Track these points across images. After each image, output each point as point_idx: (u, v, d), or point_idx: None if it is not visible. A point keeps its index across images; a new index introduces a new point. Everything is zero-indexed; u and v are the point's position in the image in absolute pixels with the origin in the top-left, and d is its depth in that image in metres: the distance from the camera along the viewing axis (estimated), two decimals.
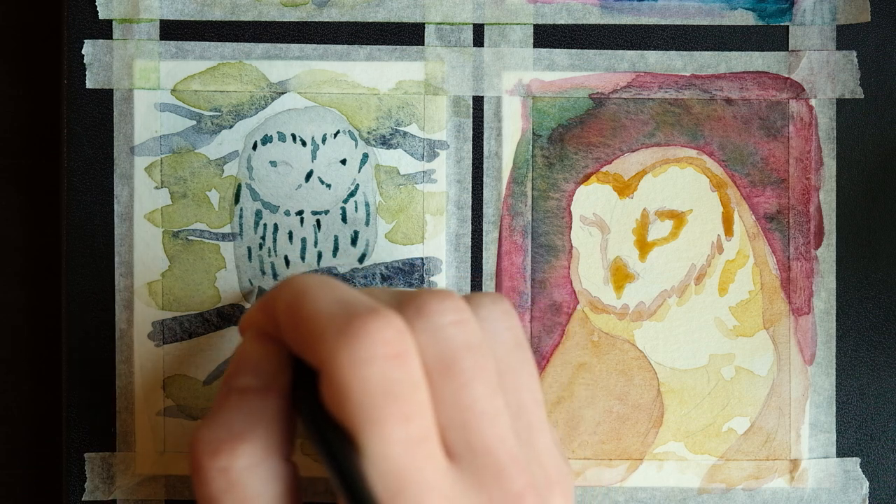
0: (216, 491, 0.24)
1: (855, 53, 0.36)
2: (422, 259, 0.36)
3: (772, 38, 0.36)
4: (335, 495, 0.24)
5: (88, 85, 0.36)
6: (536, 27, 0.36)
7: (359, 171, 0.36)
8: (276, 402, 0.25)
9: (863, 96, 0.36)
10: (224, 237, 0.36)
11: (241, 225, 0.36)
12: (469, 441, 0.24)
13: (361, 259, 0.36)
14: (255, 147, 0.36)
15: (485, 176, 0.36)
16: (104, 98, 0.36)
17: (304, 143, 0.36)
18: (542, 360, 0.36)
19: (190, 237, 0.36)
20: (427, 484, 0.23)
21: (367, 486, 0.22)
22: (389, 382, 0.22)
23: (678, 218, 0.36)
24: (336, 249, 0.36)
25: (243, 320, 0.28)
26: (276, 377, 0.26)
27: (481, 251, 0.36)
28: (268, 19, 0.36)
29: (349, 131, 0.36)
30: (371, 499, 0.22)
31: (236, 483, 0.24)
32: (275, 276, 0.36)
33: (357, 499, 0.22)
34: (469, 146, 0.36)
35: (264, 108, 0.36)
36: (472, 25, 0.36)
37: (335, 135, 0.36)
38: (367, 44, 0.36)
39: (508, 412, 0.25)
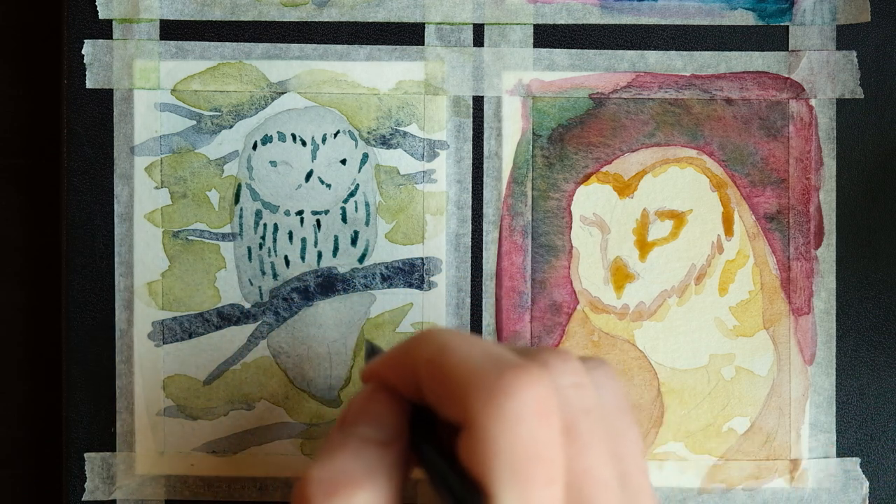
0: None
1: (855, 53, 0.36)
2: (422, 259, 0.36)
3: (772, 38, 0.36)
4: None
5: (88, 85, 0.36)
6: (536, 27, 0.36)
7: (359, 171, 0.36)
8: (395, 456, 0.25)
9: (863, 96, 0.36)
10: (224, 237, 0.36)
11: (241, 225, 0.36)
12: None
13: (361, 259, 0.36)
14: (255, 147, 0.36)
15: (485, 176, 0.36)
16: (104, 98, 0.36)
17: (304, 143, 0.36)
18: None
19: (190, 237, 0.36)
20: None
21: None
22: (537, 442, 0.22)
23: (678, 218, 0.36)
24: (336, 249, 0.36)
25: (368, 370, 0.27)
26: (399, 433, 0.26)
27: (481, 251, 0.36)
28: (268, 19, 0.36)
29: (349, 131, 0.36)
30: None
31: None
32: (275, 276, 0.36)
33: None
34: (469, 146, 0.36)
35: (264, 108, 0.36)
36: (472, 25, 0.36)
37: (335, 135, 0.36)
38: (367, 44, 0.36)
39: (616, 479, 0.25)
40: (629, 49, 0.36)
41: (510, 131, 0.36)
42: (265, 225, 0.36)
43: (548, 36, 0.36)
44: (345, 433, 0.26)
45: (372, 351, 0.31)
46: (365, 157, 0.36)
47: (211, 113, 0.36)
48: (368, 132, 0.36)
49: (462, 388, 0.23)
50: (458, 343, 0.24)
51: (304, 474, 0.25)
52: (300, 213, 0.36)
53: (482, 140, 0.36)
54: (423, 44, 0.36)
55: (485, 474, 0.22)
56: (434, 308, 0.36)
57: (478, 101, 0.36)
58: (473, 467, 0.23)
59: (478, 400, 0.23)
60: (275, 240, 0.36)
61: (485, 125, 0.36)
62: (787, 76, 0.36)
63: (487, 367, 0.23)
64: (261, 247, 0.36)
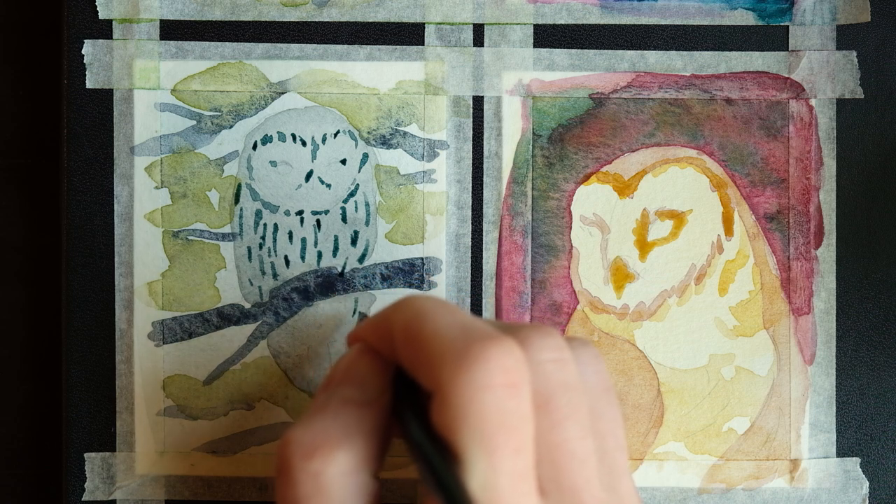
0: (303, 494, 0.24)
1: (855, 53, 0.36)
2: (422, 259, 0.36)
3: (772, 38, 0.36)
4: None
5: (88, 85, 0.36)
6: (536, 27, 0.36)
7: (359, 171, 0.36)
8: (376, 418, 0.25)
9: (863, 96, 0.36)
10: (224, 237, 0.36)
11: (241, 225, 0.36)
12: (558, 480, 0.24)
13: (361, 259, 0.36)
14: (255, 147, 0.36)
15: (485, 176, 0.36)
16: (104, 98, 0.36)
17: (304, 143, 0.36)
18: None
19: (190, 237, 0.36)
20: None
21: (472, 500, 0.22)
22: (505, 412, 0.22)
23: (678, 218, 0.36)
24: (336, 249, 0.36)
25: (353, 334, 0.28)
26: (380, 394, 0.26)
27: (481, 251, 0.36)
28: (268, 19, 0.36)
29: (349, 131, 0.36)
30: None
31: (325, 489, 0.24)
32: (275, 276, 0.36)
33: None
34: (469, 146, 0.36)
35: (264, 108, 0.36)
36: (472, 25, 0.36)
37: (335, 135, 0.36)
38: (367, 44, 0.36)
39: (594, 455, 0.25)
40: (629, 49, 0.36)
41: (510, 131, 0.36)
42: (265, 225, 0.36)
43: (548, 36, 0.36)
44: (328, 394, 0.26)
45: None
46: (365, 157, 0.36)
47: (211, 113, 0.36)
48: (368, 132, 0.36)
49: (433, 356, 0.23)
50: (435, 312, 0.24)
51: (285, 436, 0.25)
52: (300, 213, 0.36)
53: (482, 140, 0.36)
54: (423, 44, 0.36)
55: (455, 441, 0.23)
56: None
57: (478, 101, 0.36)
58: (445, 433, 0.23)
59: (447, 368, 0.23)
60: (275, 240, 0.36)
61: (485, 125, 0.36)
62: (787, 76, 0.36)
63: (459, 337, 0.23)
64: (261, 247, 0.36)
